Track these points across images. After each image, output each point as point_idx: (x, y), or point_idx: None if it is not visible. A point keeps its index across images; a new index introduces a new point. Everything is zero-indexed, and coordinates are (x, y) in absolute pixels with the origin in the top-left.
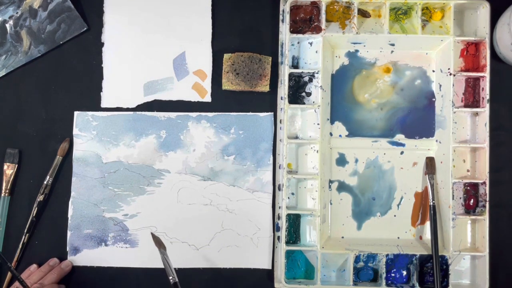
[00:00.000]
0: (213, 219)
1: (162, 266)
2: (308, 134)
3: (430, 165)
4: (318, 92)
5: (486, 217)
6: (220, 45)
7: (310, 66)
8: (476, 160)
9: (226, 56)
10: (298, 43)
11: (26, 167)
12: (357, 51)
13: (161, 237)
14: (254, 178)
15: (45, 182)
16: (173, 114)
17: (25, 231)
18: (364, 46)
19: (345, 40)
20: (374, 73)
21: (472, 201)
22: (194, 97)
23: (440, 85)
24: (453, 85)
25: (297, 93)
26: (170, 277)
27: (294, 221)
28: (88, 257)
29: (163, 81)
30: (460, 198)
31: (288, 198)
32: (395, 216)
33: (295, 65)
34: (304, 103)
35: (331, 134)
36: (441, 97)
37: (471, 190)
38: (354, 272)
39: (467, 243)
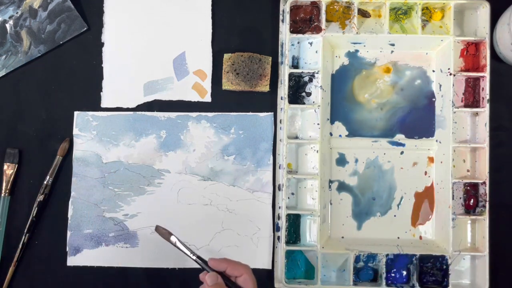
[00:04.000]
0: (213, 219)
1: (162, 266)
2: (308, 134)
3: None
4: (318, 92)
5: (486, 217)
6: (220, 45)
7: (310, 66)
8: (476, 160)
9: (226, 56)
10: (298, 43)
11: (26, 167)
12: (357, 51)
13: (161, 237)
14: (254, 178)
15: (45, 182)
16: (173, 114)
17: (25, 231)
18: (364, 46)
19: (345, 40)
20: (374, 73)
21: (472, 201)
22: (194, 97)
23: (440, 85)
24: (453, 85)
25: (297, 93)
26: (191, 254)
27: (294, 221)
28: (88, 257)
29: (163, 81)
30: (460, 198)
31: (288, 198)
32: (395, 216)
33: (295, 65)
34: (304, 103)
35: (331, 134)
36: (441, 97)
37: (471, 190)
38: (354, 272)
39: (467, 243)
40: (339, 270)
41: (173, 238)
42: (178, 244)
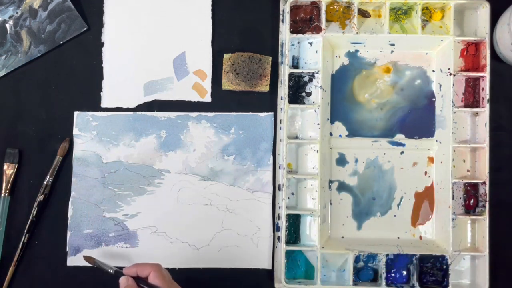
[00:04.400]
0: (213, 219)
1: (162, 266)
2: (308, 134)
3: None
4: (318, 92)
5: (486, 217)
6: (220, 45)
7: (310, 66)
8: (476, 160)
9: (226, 56)
10: (298, 43)
11: (26, 167)
12: (357, 51)
13: (161, 237)
14: (254, 178)
15: (45, 182)
16: (173, 114)
17: (25, 231)
18: (364, 46)
19: (345, 40)
20: (374, 73)
21: (472, 201)
22: (194, 97)
23: (440, 85)
24: (453, 85)
25: (297, 93)
26: (110, 270)
27: (294, 221)
28: None
29: (163, 81)
30: (460, 198)
31: (288, 198)
32: (395, 216)
33: (295, 65)
34: (304, 103)
35: (331, 134)
36: (441, 97)
37: (471, 190)
38: (354, 272)
39: (467, 243)
40: (339, 270)
41: (96, 260)
42: (98, 262)
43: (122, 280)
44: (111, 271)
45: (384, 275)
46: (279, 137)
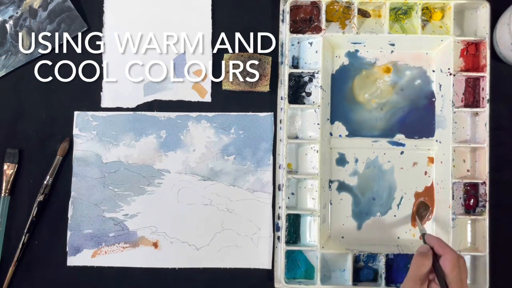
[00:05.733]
0: (213, 219)
1: (162, 266)
2: (308, 134)
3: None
4: (318, 92)
5: (486, 217)
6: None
7: (310, 66)
8: (476, 160)
9: (226, 56)
10: (298, 43)
11: (26, 167)
12: (357, 51)
13: (161, 237)
14: (254, 178)
15: (45, 182)
16: (173, 114)
17: (25, 231)
18: (364, 46)
19: (345, 40)
20: (374, 73)
21: (472, 201)
22: (194, 97)
23: (440, 85)
24: (453, 85)
25: (297, 93)
26: (420, 231)
27: (294, 221)
28: (88, 257)
29: (163, 81)
30: (460, 198)
31: (288, 198)
32: (395, 216)
33: (295, 65)
34: (304, 103)
35: (331, 134)
36: (441, 97)
37: (471, 190)
38: (354, 272)
39: (467, 243)
40: (339, 270)
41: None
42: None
43: (423, 249)
44: (421, 233)
45: (384, 275)
46: (279, 137)
